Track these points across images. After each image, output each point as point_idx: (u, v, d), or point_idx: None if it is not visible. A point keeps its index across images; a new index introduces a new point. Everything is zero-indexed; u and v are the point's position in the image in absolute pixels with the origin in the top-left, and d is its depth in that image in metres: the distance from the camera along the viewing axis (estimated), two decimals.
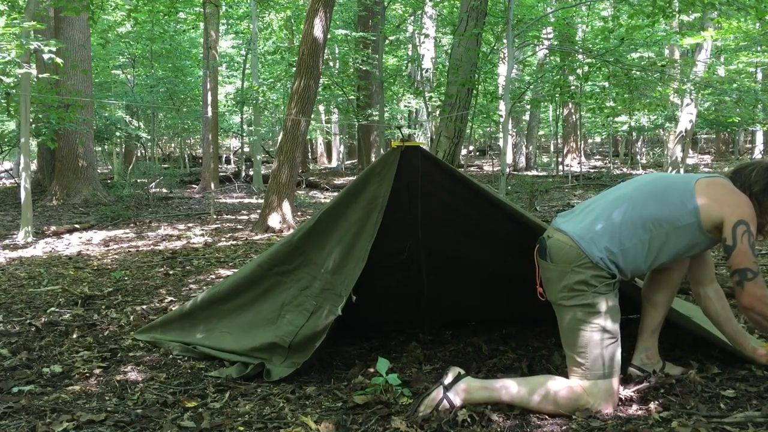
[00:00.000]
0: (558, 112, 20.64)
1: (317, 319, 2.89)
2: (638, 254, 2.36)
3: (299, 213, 9.84)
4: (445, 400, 2.35)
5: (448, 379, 2.40)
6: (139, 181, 14.91)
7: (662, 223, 2.35)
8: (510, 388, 2.37)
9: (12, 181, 16.09)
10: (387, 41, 18.77)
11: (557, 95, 13.48)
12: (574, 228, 2.40)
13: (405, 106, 20.78)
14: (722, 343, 2.76)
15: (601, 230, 2.36)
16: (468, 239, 3.43)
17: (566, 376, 2.40)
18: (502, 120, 12.92)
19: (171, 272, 5.63)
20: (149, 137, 20.01)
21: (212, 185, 12.52)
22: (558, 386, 2.32)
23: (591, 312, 2.30)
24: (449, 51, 13.78)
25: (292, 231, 3.95)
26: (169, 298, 4.61)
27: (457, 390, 2.37)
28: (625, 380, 2.61)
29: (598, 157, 26.99)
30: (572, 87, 13.74)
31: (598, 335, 2.29)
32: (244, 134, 18.20)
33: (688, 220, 2.34)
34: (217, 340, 3.23)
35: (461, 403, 2.37)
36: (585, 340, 2.30)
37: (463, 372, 2.45)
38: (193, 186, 16.02)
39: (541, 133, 27.62)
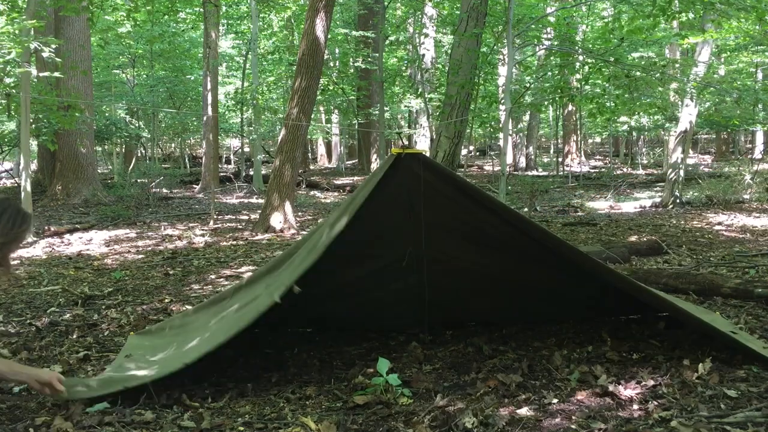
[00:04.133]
0: (558, 113, 20.64)
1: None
2: None
3: (299, 213, 9.84)
4: None
5: None
6: (139, 181, 14.90)
7: None
8: None
9: (12, 181, 16.09)
10: (387, 41, 18.76)
11: (557, 97, 13.46)
12: None
13: (405, 106, 20.78)
14: (725, 341, 2.76)
15: None
16: (468, 244, 3.42)
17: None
18: (502, 121, 12.92)
19: (171, 272, 5.63)
20: (149, 137, 20.01)
21: (212, 185, 12.51)
22: None
23: None
24: (449, 51, 13.77)
25: (293, 233, 3.94)
26: (169, 298, 4.61)
27: None
28: (626, 380, 2.60)
29: (598, 157, 26.97)
30: (572, 89, 13.71)
31: None
32: (244, 134, 18.20)
33: None
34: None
35: None
36: None
37: None
38: (194, 186, 16.01)
39: (541, 133, 27.59)
